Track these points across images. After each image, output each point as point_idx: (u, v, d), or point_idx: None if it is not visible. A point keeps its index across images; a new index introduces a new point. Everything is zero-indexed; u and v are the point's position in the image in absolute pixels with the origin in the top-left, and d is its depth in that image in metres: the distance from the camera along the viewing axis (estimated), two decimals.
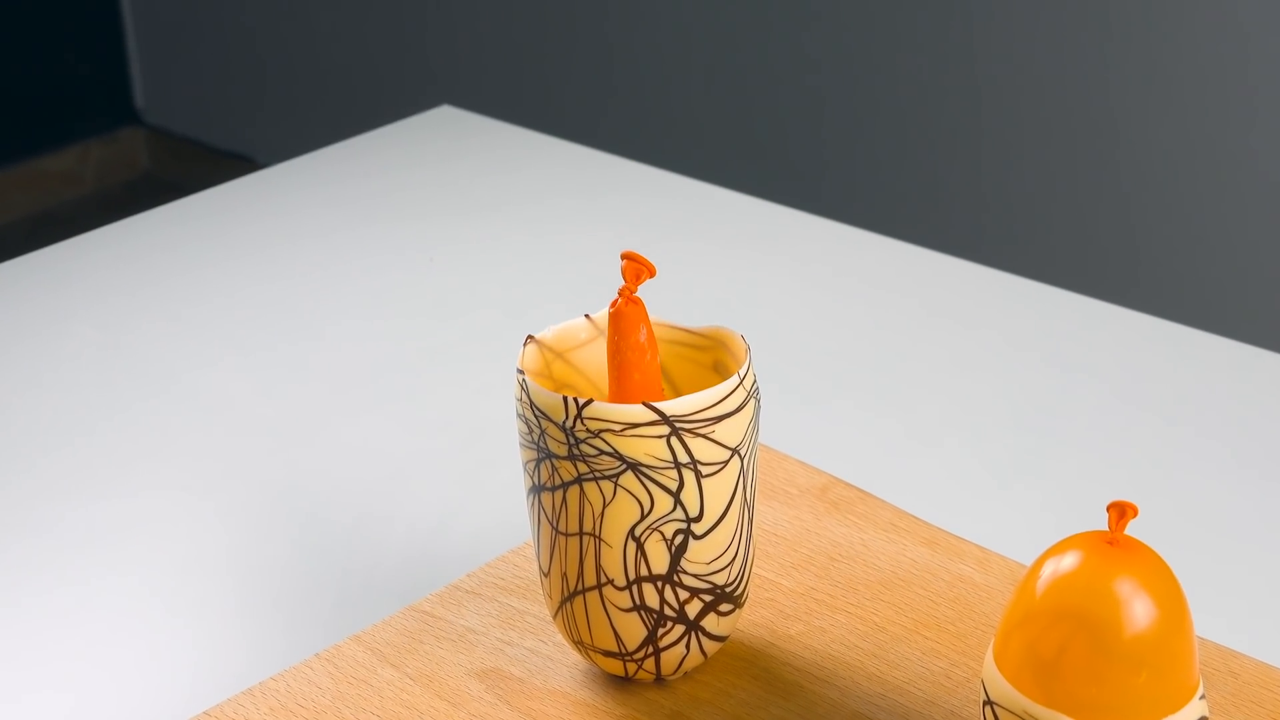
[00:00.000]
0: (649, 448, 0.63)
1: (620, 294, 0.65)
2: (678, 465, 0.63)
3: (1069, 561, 0.56)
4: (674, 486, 0.63)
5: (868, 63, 2.17)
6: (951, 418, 0.91)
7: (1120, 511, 0.56)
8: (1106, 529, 0.57)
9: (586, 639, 0.67)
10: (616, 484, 0.63)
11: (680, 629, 0.66)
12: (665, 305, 0.91)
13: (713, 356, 0.69)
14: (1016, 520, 0.82)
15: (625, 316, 0.65)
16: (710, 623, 0.67)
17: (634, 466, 0.63)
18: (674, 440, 0.63)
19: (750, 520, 0.67)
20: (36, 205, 3.03)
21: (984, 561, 0.75)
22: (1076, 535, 0.58)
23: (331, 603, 0.77)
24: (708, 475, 0.64)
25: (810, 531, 0.78)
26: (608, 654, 0.67)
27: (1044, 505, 0.83)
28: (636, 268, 0.65)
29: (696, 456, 0.63)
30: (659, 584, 0.65)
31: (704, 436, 0.63)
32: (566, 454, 0.64)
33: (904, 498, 0.82)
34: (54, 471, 0.89)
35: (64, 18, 3.05)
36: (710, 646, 0.68)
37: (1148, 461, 0.87)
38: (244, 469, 0.88)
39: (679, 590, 0.65)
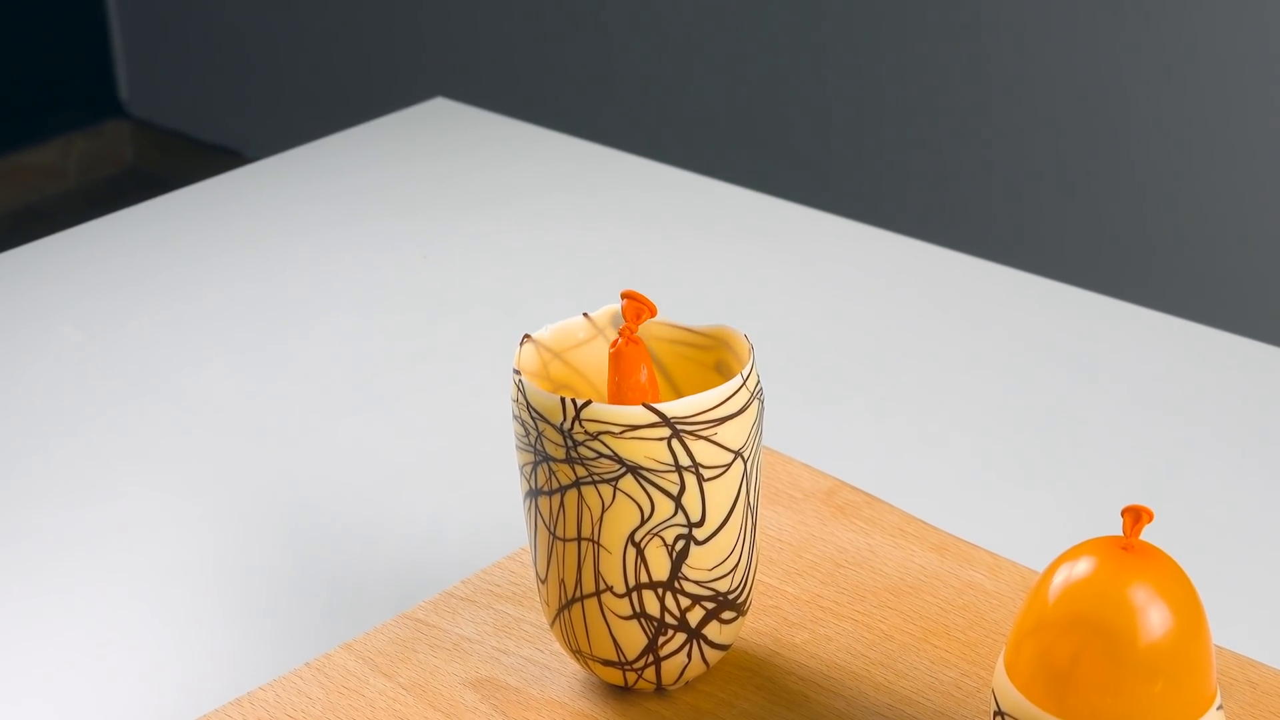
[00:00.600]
0: (649, 450, 0.63)
1: (621, 334, 0.66)
2: (679, 468, 0.63)
3: (1082, 568, 0.56)
4: (675, 490, 0.63)
5: (876, 53, 2.17)
6: (961, 419, 0.91)
7: (1135, 516, 0.56)
8: (1121, 534, 0.57)
9: (585, 648, 0.67)
10: (616, 488, 0.63)
11: (681, 637, 0.66)
12: (666, 303, 0.91)
13: (715, 356, 0.69)
14: (1028, 525, 0.82)
15: (626, 357, 0.65)
16: (712, 631, 0.67)
17: (634, 470, 0.63)
18: (675, 443, 0.63)
19: (754, 525, 0.67)
20: (18, 200, 3.04)
21: (995, 568, 0.75)
22: (1090, 540, 0.58)
23: (322, 610, 0.77)
24: (710, 479, 0.64)
25: (815, 537, 0.78)
26: (607, 663, 0.67)
27: (1057, 509, 0.83)
28: (637, 307, 0.65)
29: (698, 459, 0.63)
30: (659, 591, 0.65)
31: (706, 439, 0.63)
32: (564, 457, 0.64)
33: (912, 502, 0.82)
34: (34, 475, 0.89)
35: (46, 7, 3.05)
36: (712, 655, 0.68)
37: (1164, 464, 0.87)
38: (231, 472, 0.88)
39: (680, 597, 0.65)
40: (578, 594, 0.66)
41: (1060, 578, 0.56)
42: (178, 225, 1.17)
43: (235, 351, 1.00)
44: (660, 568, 0.65)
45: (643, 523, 0.64)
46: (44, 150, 3.09)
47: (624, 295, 0.65)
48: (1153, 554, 0.56)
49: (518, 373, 0.66)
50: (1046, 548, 0.73)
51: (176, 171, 2.93)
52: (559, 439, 0.63)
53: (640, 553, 0.64)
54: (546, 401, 0.63)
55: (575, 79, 2.51)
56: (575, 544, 0.65)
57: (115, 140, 3.18)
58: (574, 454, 0.63)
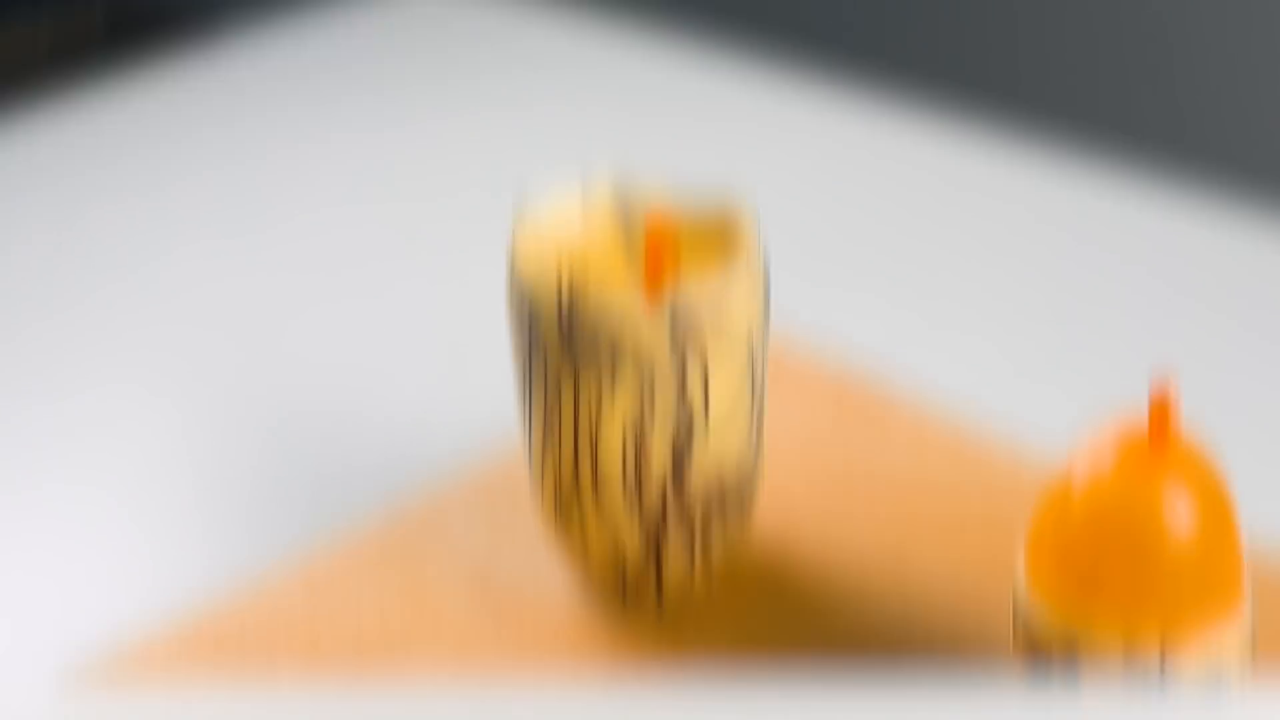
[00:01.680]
0: (649, 335, 0.62)
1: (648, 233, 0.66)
2: (681, 354, 0.63)
3: (1106, 462, 0.56)
4: (677, 379, 0.63)
5: None
6: (979, 304, 0.91)
7: (1163, 405, 0.56)
8: (1147, 424, 0.57)
9: (583, 546, 0.67)
10: (614, 377, 0.63)
11: (685, 536, 0.66)
12: (668, 184, 0.90)
13: (717, 234, 0.68)
14: (1050, 416, 0.82)
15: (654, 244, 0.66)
16: (717, 530, 0.67)
17: (633, 357, 0.63)
18: (676, 327, 0.62)
19: (760, 415, 0.67)
20: None
21: (1015, 465, 0.75)
22: (1115, 432, 0.57)
23: (304, 508, 0.78)
24: (713, 365, 0.64)
25: (826, 435, 0.78)
26: (606, 562, 0.67)
27: (1080, 397, 0.83)
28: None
29: (701, 344, 0.63)
30: (661, 486, 0.65)
31: (709, 322, 0.63)
32: (560, 345, 0.63)
33: (928, 395, 0.82)
34: None
35: None
36: (717, 554, 0.68)
37: (1195, 350, 0.87)
38: (207, 363, 0.88)
39: (683, 494, 0.65)
40: (575, 490, 0.66)
41: (1082, 473, 0.56)
42: (150, 104, 1.16)
43: (212, 237, 1.00)
44: (662, 461, 0.65)
45: (643, 413, 0.64)
46: (10, 30, 3.07)
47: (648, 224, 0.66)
48: (1182, 446, 0.56)
49: (512, 258, 0.65)
50: (1070, 441, 0.73)
51: (148, 50, 2.92)
52: (555, 326, 0.63)
53: (641, 445, 0.64)
54: (542, 286, 0.63)
55: None
56: (572, 437, 0.65)
57: (86, 18, 3.16)
58: (570, 342, 0.63)
